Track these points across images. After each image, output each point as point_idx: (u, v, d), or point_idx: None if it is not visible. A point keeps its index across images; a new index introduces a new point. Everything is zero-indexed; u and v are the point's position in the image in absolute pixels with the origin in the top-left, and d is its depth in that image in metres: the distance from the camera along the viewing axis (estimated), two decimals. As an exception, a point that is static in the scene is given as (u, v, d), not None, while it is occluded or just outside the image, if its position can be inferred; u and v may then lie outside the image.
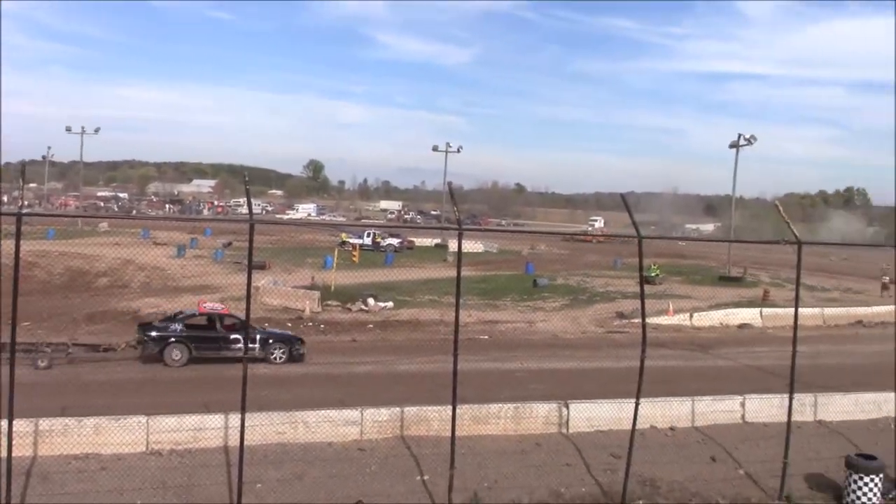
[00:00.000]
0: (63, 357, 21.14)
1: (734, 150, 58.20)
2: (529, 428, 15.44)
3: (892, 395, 18.05)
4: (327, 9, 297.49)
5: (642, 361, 12.67)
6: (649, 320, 29.67)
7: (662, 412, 16.11)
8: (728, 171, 59.18)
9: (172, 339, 22.03)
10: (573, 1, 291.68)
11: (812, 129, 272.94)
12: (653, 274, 45.12)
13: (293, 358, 22.81)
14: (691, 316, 35.74)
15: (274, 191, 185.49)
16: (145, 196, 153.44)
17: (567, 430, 15.55)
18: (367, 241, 62.20)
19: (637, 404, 12.82)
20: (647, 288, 40.81)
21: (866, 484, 13.31)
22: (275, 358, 22.58)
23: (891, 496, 13.76)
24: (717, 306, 38.81)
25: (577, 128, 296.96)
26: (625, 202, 13.57)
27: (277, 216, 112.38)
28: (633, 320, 30.80)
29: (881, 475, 13.44)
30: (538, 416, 15.63)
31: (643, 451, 13.88)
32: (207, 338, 22.44)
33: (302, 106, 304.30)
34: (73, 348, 21.52)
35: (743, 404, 16.98)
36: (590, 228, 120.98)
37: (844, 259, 74.87)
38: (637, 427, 12.96)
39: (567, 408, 15.71)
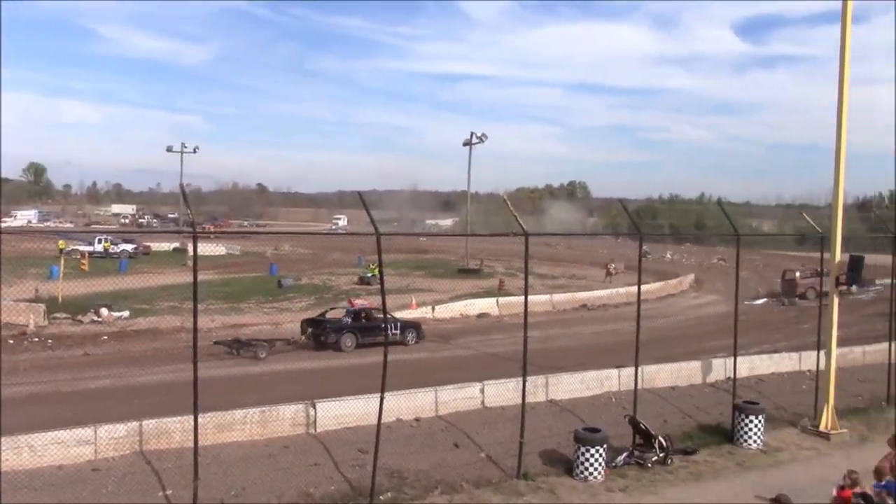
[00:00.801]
0: (269, 349, 25.93)
1: (467, 147, 61.06)
2: (277, 431, 15.24)
3: (614, 371, 19.67)
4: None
5: (385, 355, 12.94)
6: (394, 315, 30.23)
7: (408, 404, 16.50)
8: (463, 167, 61.90)
9: (345, 330, 27.87)
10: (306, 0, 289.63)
11: (537, 127, 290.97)
12: (369, 274, 45.33)
13: (419, 338, 29.31)
14: (433, 308, 36.96)
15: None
16: None
17: (315, 430, 15.51)
18: (98, 247, 58.49)
19: (382, 398, 13.05)
20: (370, 286, 40.54)
21: (592, 455, 14.44)
22: (409, 340, 28.96)
23: (613, 464, 15.03)
24: (457, 298, 40.47)
25: (318, 126, 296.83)
26: (362, 200, 13.75)
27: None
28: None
29: (605, 446, 14.63)
30: (285, 418, 15.47)
31: (390, 444, 14.17)
32: (364, 327, 28.28)
33: (17, 104, 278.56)
34: (276, 343, 26.72)
35: (482, 390, 17.79)
36: (334, 227, 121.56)
37: (569, 248, 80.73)
38: (383, 421, 13.20)
39: (314, 408, 15.67)
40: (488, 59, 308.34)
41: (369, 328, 28.14)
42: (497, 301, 39.31)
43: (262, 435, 15.05)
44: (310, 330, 27.84)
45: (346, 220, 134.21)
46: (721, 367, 21.20)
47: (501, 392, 17.65)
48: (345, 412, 15.69)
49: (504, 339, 28.66)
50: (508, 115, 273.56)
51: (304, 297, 40.80)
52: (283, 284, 44.94)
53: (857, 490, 10.64)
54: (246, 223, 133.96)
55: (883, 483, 10.65)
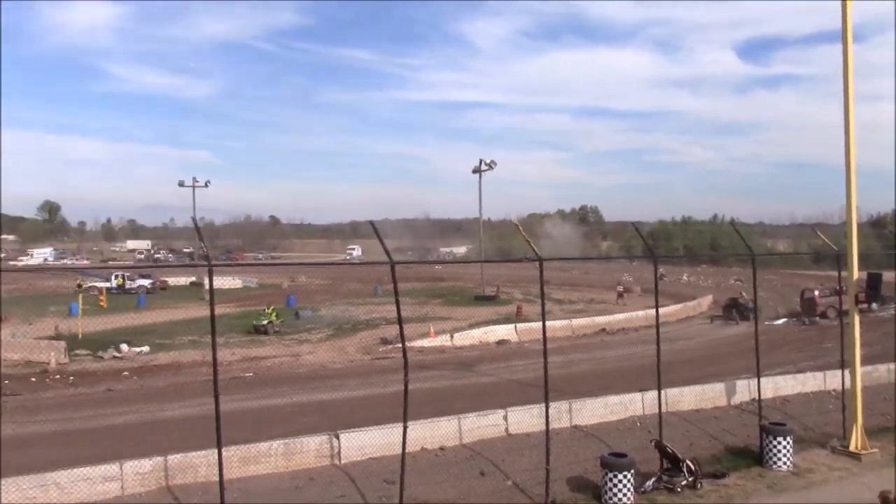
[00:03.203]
0: None
1: (477, 174, 61.21)
2: (302, 463, 15.18)
3: (637, 395, 19.53)
4: (44, 37, 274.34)
5: (406, 384, 12.90)
6: (413, 343, 30.35)
7: (431, 433, 16.42)
8: (474, 194, 62.01)
9: (748, 311, 41.41)
10: (311, 33, 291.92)
11: (546, 153, 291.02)
12: (264, 321, 39.77)
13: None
14: (452, 336, 36.89)
15: (5, 236, 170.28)
16: None
17: (340, 461, 15.45)
18: (114, 283, 58.90)
19: (405, 427, 13.01)
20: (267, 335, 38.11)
21: (620, 480, 14.31)
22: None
23: (641, 489, 14.89)
24: (476, 325, 40.39)
25: (328, 157, 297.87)
26: (375, 230, 13.75)
27: (10, 263, 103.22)
28: (397, 345, 31.22)
29: (632, 471, 14.50)
30: (310, 449, 15.41)
31: (415, 474, 14.10)
32: (750, 308, 38.97)
33: (29, 143, 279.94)
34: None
35: (506, 417, 17.68)
36: (348, 257, 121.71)
37: (585, 273, 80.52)
38: (407, 450, 13.14)
39: (338, 438, 15.62)
40: (494, 87, 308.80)
41: (750, 308, 41.36)
42: (516, 327, 39.22)
43: (287, 467, 14.99)
44: (734, 310, 44.07)
45: (360, 249, 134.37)
46: (745, 389, 20.99)
47: (525, 419, 17.54)
48: (369, 442, 15.62)
49: (525, 365, 28.52)
50: (517, 142, 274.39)
51: (322, 328, 40.84)
52: (300, 315, 45.04)
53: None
54: (260, 255, 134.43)
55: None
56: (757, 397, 18.80)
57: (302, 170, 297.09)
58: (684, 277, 79.01)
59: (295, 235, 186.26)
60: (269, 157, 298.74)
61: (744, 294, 47.39)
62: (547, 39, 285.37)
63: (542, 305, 15.98)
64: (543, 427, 15.09)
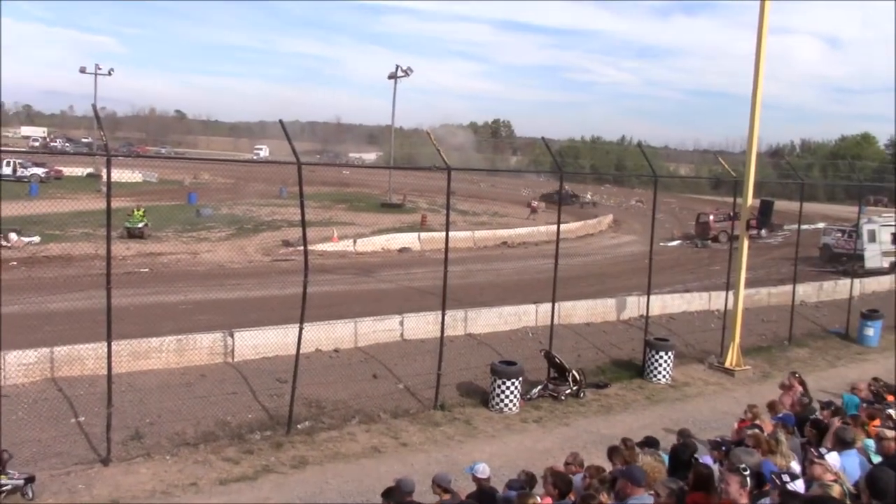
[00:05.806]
0: None
1: (392, 81, 60.33)
2: (194, 360, 15.11)
3: (531, 307, 20.01)
4: None
5: (305, 286, 12.91)
6: (314, 247, 30.26)
7: (327, 335, 16.52)
8: (387, 101, 61.20)
9: None
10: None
11: (464, 64, 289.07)
12: (139, 223, 35.63)
13: None
14: (355, 242, 36.86)
15: None
16: None
17: (233, 359, 15.43)
18: (7, 170, 56.43)
19: (301, 328, 13.06)
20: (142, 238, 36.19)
21: (508, 387, 14.78)
22: None
23: (528, 396, 15.41)
24: (380, 232, 40.37)
25: (240, 53, 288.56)
26: (284, 129, 13.43)
27: None
28: (298, 247, 30.95)
29: (520, 379, 14.98)
30: (203, 347, 15.33)
31: (309, 374, 14.23)
32: None
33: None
34: None
35: (402, 323, 17.91)
36: (255, 157, 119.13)
37: (492, 186, 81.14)
38: (302, 351, 13.24)
39: (232, 337, 15.57)
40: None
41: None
42: (419, 236, 39.43)
43: (179, 363, 14.91)
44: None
45: (267, 150, 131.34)
46: (635, 305, 21.77)
47: (421, 325, 17.81)
48: (263, 342, 15.64)
49: (425, 273, 28.76)
50: (435, 51, 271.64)
51: (223, 228, 40.17)
52: (201, 214, 44.14)
53: (756, 423, 11.11)
54: (163, 150, 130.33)
55: (780, 416, 11.13)
56: (645, 314, 19.54)
57: (212, 65, 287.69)
58: (588, 196, 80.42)
59: (201, 132, 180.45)
60: (178, 49, 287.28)
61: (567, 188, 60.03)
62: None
63: (447, 215, 16.13)
64: (438, 334, 15.41)
